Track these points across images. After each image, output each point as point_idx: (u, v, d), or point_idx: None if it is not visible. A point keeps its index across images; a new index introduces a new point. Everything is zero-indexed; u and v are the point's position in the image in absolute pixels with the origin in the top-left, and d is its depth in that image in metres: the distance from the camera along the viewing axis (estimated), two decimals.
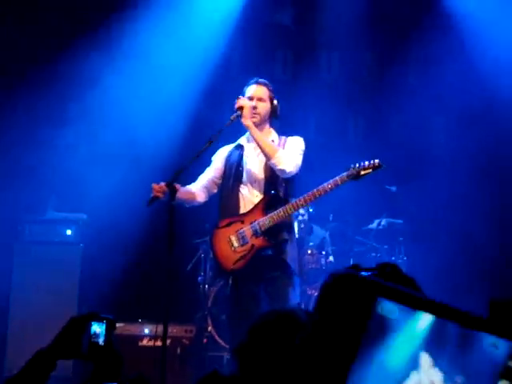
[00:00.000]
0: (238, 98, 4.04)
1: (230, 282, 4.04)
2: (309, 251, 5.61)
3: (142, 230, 5.92)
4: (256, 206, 3.95)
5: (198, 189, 4.12)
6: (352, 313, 1.01)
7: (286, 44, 6.97)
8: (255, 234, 3.90)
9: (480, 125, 6.24)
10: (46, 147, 5.89)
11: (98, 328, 1.81)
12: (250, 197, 3.98)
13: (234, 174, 4.04)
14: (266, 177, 3.98)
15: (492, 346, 1.04)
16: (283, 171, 3.93)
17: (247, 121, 3.95)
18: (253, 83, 4.08)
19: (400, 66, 6.63)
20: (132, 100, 6.07)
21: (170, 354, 4.59)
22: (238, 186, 4.02)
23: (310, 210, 5.61)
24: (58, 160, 5.87)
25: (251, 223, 3.91)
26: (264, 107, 4.03)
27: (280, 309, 2.21)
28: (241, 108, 3.93)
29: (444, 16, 6.24)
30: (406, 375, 1.04)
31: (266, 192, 3.96)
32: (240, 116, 3.94)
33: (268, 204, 3.93)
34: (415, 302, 1.05)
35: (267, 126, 4.11)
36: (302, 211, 5.46)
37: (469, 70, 6.11)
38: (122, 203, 5.72)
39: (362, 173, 3.85)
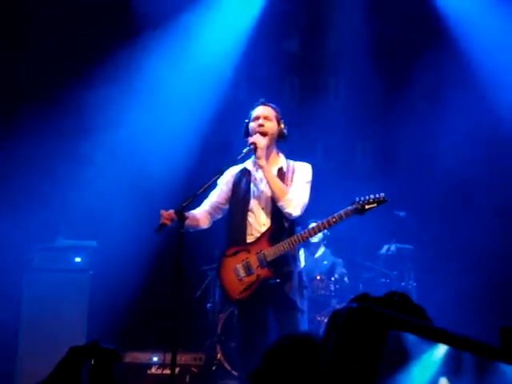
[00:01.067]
0: (249, 136, 4.03)
1: (237, 311, 4.06)
2: (318, 277, 5.60)
3: (151, 257, 5.93)
4: (262, 235, 3.95)
5: (202, 214, 4.11)
6: (367, 345, 1.04)
7: (294, 71, 7.03)
8: (261, 264, 3.91)
9: (491, 148, 6.24)
10: (56, 176, 5.94)
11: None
12: (256, 226, 3.98)
13: (241, 201, 4.03)
14: (272, 207, 3.97)
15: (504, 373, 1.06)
16: (290, 214, 3.93)
17: (261, 161, 3.95)
18: (259, 104, 4.09)
19: (408, 91, 6.66)
20: (141, 129, 6.12)
21: (178, 382, 4.56)
22: (246, 214, 4.00)
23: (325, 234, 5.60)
24: (68, 188, 5.91)
25: (257, 253, 3.92)
26: (271, 127, 4.02)
27: (294, 334, 2.19)
28: (254, 144, 3.93)
29: (451, 40, 6.28)
30: None
31: (272, 222, 3.96)
32: (253, 151, 3.95)
33: (274, 234, 3.93)
34: (430, 333, 1.08)
35: (275, 149, 4.11)
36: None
37: (477, 93, 6.13)
38: (131, 231, 5.74)
39: (367, 207, 3.88)
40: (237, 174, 4.12)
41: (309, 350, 1.91)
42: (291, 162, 4.10)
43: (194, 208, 4.09)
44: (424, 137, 6.51)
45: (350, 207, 3.86)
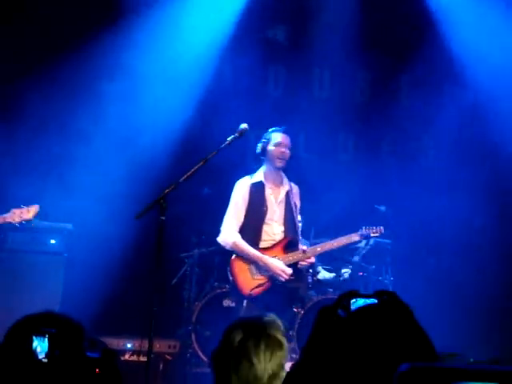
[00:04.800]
0: (264, 156, 4.63)
1: (245, 304, 4.51)
2: None
3: (128, 243, 5.85)
4: (277, 243, 4.56)
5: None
6: None
7: (279, 59, 6.97)
8: None
9: (473, 148, 6.27)
10: (34, 157, 5.81)
11: (38, 345, 1.62)
12: (270, 234, 4.57)
13: (258, 212, 4.57)
14: (285, 220, 4.60)
15: None
16: None
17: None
18: (281, 131, 4.63)
19: (393, 87, 6.65)
20: (123, 118, 6.01)
21: (152, 369, 4.52)
22: (262, 224, 4.56)
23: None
24: (45, 168, 5.78)
25: (272, 257, 4.51)
26: (289, 155, 4.64)
27: (247, 318, 2.36)
28: (241, 133, 4.27)
29: (439, 36, 6.25)
30: None
31: (286, 233, 4.60)
32: (238, 138, 4.24)
33: (288, 244, 4.56)
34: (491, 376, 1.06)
35: (281, 171, 4.69)
36: None
37: (463, 95, 6.14)
38: (110, 215, 5.66)
39: (372, 235, 4.83)
40: (252, 186, 4.63)
41: (254, 333, 2.11)
42: (289, 182, 4.71)
43: (179, 198, 4.11)
44: (408, 132, 6.50)
45: (358, 234, 4.74)
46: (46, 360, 1.63)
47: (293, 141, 6.63)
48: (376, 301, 1.52)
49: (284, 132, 4.64)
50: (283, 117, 6.20)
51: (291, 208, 4.63)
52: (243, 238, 4.54)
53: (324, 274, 5.92)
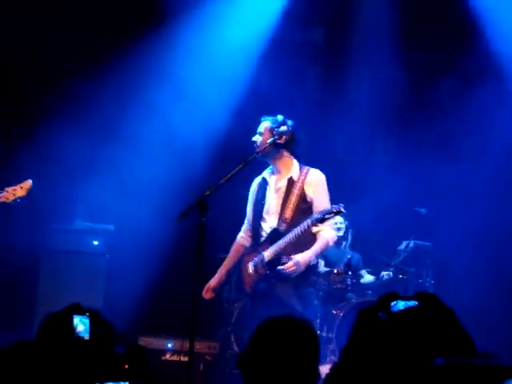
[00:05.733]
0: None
1: (250, 300, 4.52)
2: (335, 271, 5.56)
3: (169, 244, 5.92)
4: (266, 238, 4.34)
5: (244, 237, 4.53)
6: None
7: (317, 61, 6.96)
8: (261, 263, 4.31)
9: None
10: (78, 159, 5.92)
11: (79, 323, 1.65)
12: (267, 229, 4.35)
13: (258, 207, 4.42)
14: (280, 211, 4.29)
15: None
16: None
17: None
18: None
19: (432, 87, 6.57)
20: (166, 117, 6.08)
21: (193, 369, 4.55)
22: (260, 219, 4.39)
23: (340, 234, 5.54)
24: (88, 170, 5.89)
25: (260, 254, 4.34)
26: (260, 140, 4.32)
27: (275, 317, 2.27)
28: (281, 135, 4.27)
29: (481, 41, 6.16)
30: None
31: (277, 224, 4.30)
32: (277, 140, 4.22)
33: (273, 237, 4.28)
34: None
35: (284, 154, 4.35)
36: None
37: (506, 96, 6.03)
38: (151, 216, 5.73)
39: (327, 217, 4.12)
40: (258, 184, 4.49)
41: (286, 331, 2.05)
42: (305, 169, 4.33)
43: (218, 200, 4.14)
44: (451, 134, 6.41)
45: (314, 218, 4.10)
46: (87, 338, 1.64)
47: (331, 143, 6.64)
48: (417, 303, 1.51)
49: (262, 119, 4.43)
50: (322, 119, 6.20)
51: (288, 195, 4.25)
52: (252, 238, 4.45)
53: (366, 278, 5.88)
